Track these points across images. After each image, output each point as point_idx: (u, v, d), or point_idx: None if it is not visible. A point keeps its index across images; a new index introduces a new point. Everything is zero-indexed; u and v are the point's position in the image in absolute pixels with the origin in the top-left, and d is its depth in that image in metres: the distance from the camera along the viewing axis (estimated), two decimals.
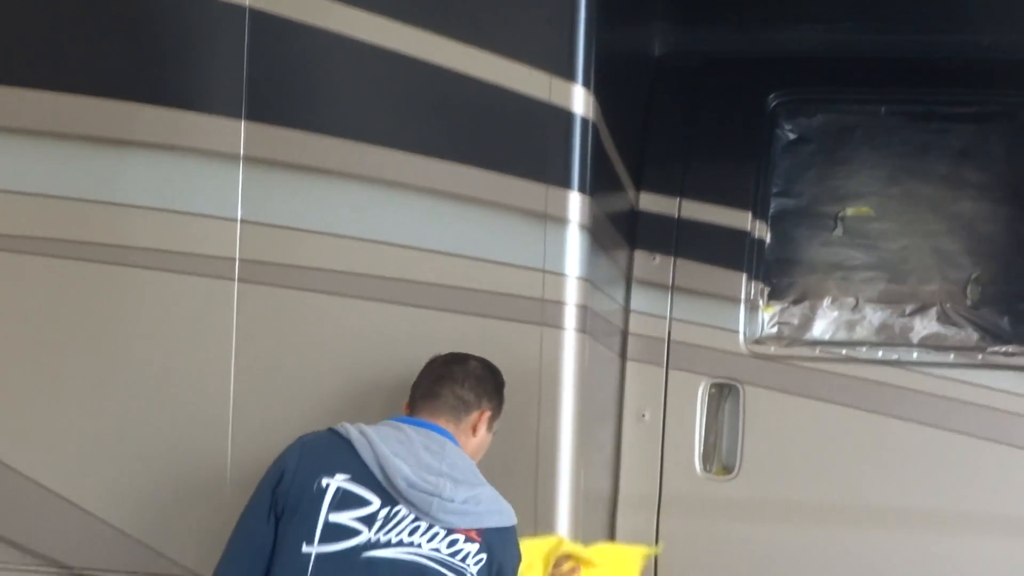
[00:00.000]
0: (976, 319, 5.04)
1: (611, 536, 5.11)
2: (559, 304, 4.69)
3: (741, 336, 5.07)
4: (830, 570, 4.96)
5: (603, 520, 5.07)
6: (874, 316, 5.09)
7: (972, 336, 5.02)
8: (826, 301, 5.13)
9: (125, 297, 5.01)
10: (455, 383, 4.38)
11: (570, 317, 4.70)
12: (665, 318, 5.10)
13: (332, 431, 4.27)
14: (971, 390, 4.94)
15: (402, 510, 4.12)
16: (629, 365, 5.13)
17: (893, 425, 4.97)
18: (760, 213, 5.18)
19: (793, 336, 5.09)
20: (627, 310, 5.15)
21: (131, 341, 5.00)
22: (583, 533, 4.75)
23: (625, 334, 5.13)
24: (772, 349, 5.07)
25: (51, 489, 5.04)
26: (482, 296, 4.71)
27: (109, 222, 5.00)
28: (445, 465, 4.19)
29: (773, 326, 5.11)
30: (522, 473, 4.71)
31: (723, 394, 5.10)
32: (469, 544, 4.13)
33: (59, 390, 5.07)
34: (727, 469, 5.09)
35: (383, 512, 4.12)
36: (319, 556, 4.09)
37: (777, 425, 5.05)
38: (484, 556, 4.16)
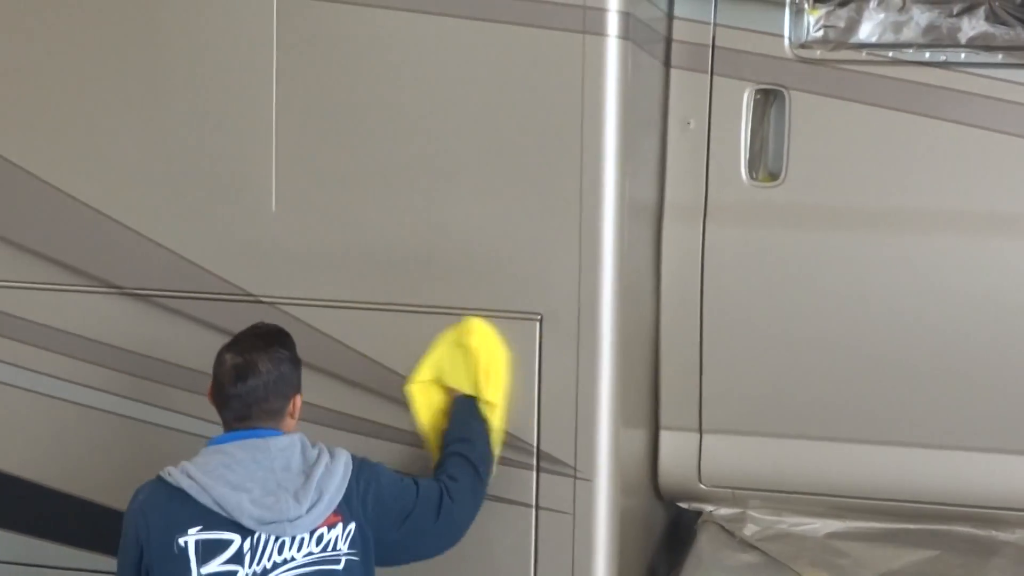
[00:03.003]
0: None
1: (657, 249, 5.10)
2: (601, 11, 4.63)
3: (786, 40, 4.97)
4: (877, 274, 4.95)
5: (648, 231, 5.06)
6: (921, 17, 4.97)
7: (1021, 35, 4.90)
8: (872, 3, 5.00)
9: (160, 14, 4.98)
10: (260, 400, 4.27)
11: (612, 24, 4.64)
12: (709, 24, 4.99)
13: (162, 481, 4.22)
14: (1020, 90, 4.86)
15: (262, 536, 4.15)
16: (673, 73, 5.06)
17: (940, 127, 4.90)
18: None
19: (839, 39, 4.98)
20: (670, 16, 5.05)
21: (169, 59, 4.98)
22: (628, 243, 4.77)
23: (669, 41, 5.05)
24: (818, 53, 4.97)
25: (100, 210, 5.07)
26: (521, 3, 4.65)
27: None
28: (279, 471, 4.18)
29: (819, 29, 5.01)
30: (566, 185, 4.71)
31: (768, 100, 5.03)
32: (333, 530, 4.22)
33: (102, 111, 5.07)
34: (773, 176, 5.05)
35: (246, 544, 4.15)
36: None
37: (823, 130, 4.98)
38: (352, 524, 4.25)
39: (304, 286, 4.93)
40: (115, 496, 4.97)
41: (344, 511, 4.25)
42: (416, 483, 4.45)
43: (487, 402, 4.67)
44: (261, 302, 4.95)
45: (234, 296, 4.98)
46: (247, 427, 4.26)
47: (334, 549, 4.22)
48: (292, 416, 4.33)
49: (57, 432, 5.24)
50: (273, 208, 4.92)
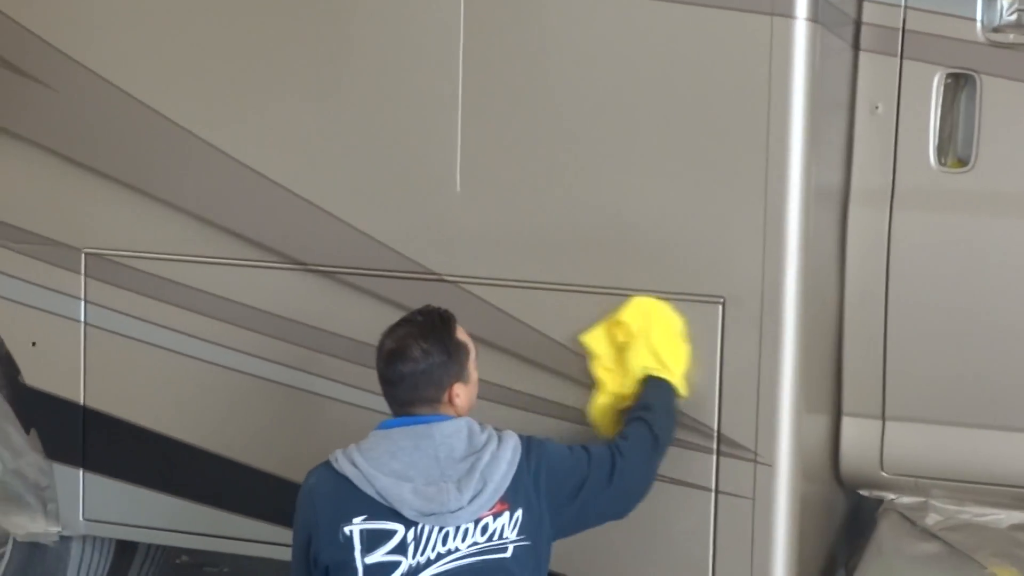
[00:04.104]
0: None
1: (842, 233, 5.05)
2: None
3: (979, 24, 4.89)
4: None
5: (834, 215, 5.01)
6: None
7: None
8: None
9: None
10: (412, 388, 4.26)
11: (801, 5, 4.61)
12: (900, 6, 4.92)
13: (330, 467, 4.25)
14: None
15: (425, 526, 4.15)
16: (862, 56, 4.99)
17: None
18: None
19: None
20: None
21: (357, 41, 5.04)
22: (813, 228, 4.73)
23: (858, 24, 4.98)
24: (1011, 37, 4.88)
25: (284, 186, 5.15)
26: None
27: None
28: (443, 459, 4.18)
29: (1012, 13, 4.91)
30: (751, 168, 4.68)
31: (959, 84, 4.95)
32: (499, 519, 4.20)
33: (292, 93, 5.15)
34: (962, 162, 4.97)
35: (410, 535, 4.15)
36: None
37: (1015, 116, 4.89)
38: (520, 510, 4.22)
39: (487, 266, 4.96)
40: (297, 470, 5.08)
41: (511, 498, 4.24)
42: (586, 449, 4.45)
43: (671, 376, 4.70)
44: (444, 280, 4.99)
45: (417, 274, 5.03)
46: (409, 413, 4.28)
47: (500, 538, 4.21)
48: (451, 404, 4.30)
49: (240, 405, 5.34)
50: (457, 188, 4.95)
